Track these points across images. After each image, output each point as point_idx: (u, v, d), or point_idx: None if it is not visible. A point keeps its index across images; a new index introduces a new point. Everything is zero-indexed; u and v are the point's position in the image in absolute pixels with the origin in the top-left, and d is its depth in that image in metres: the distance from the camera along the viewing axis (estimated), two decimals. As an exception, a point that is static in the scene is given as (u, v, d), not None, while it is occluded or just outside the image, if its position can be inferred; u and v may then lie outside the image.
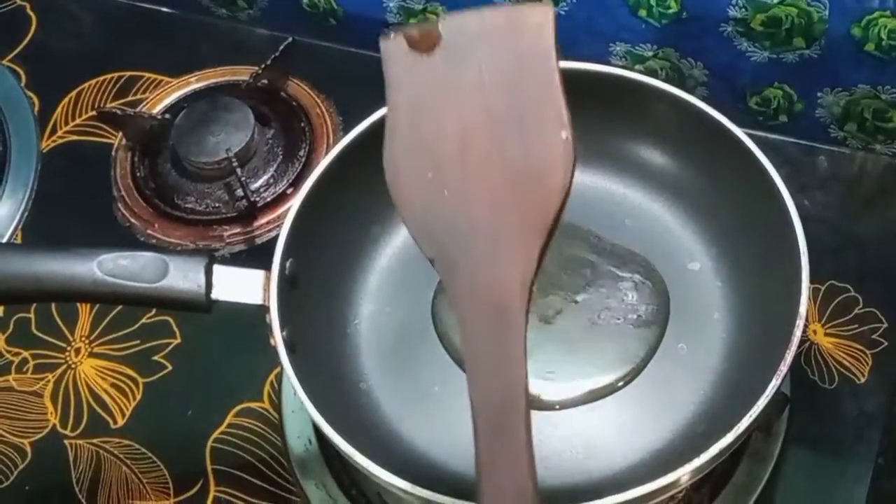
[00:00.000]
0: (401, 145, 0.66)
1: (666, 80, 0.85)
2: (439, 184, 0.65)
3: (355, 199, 0.85)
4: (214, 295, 0.75)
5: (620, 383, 0.80)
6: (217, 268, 0.75)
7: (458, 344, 0.82)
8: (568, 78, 0.82)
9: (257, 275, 0.76)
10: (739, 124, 0.81)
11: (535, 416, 0.78)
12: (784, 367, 0.69)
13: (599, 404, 0.79)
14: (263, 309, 0.75)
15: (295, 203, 0.80)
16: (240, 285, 0.76)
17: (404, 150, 0.66)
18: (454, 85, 0.65)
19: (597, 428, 0.78)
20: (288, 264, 0.78)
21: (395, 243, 0.88)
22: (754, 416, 0.68)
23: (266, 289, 0.76)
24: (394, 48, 0.67)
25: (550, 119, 0.63)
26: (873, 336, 0.89)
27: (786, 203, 0.76)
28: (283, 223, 0.96)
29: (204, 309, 0.75)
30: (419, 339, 0.84)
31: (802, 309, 0.71)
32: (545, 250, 0.62)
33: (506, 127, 0.64)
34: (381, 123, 0.82)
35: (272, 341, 0.74)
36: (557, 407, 0.79)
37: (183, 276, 0.74)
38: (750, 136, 0.80)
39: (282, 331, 0.74)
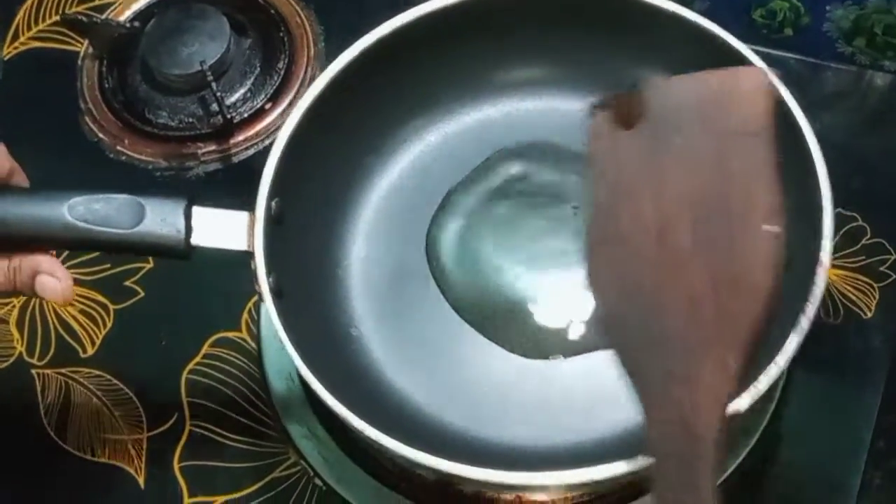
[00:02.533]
0: (600, 231, 0.61)
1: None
2: (635, 279, 0.59)
3: (348, 128, 0.80)
4: (195, 240, 0.70)
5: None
6: (197, 209, 0.70)
7: (455, 284, 0.78)
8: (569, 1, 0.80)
9: (241, 217, 0.71)
10: (743, 39, 0.76)
11: (541, 367, 0.76)
12: (805, 324, 0.65)
13: (605, 356, 0.75)
14: (248, 255, 0.71)
15: (280, 138, 0.74)
16: (222, 229, 0.71)
17: (603, 236, 0.61)
18: (655, 165, 0.60)
19: (601, 383, 0.74)
20: (274, 204, 0.73)
21: (391, 176, 0.84)
22: (773, 375, 0.64)
23: (250, 233, 0.71)
24: (597, 126, 0.62)
25: (759, 208, 0.56)
26: (881, 269, 0.86)
27: (802, 131, 0.71)
28: (265, 142, 0.93)
29: (183, 256, 0.70)
30: (415, 279, 0.80)
31: (825, 256, 0.67)
32: (745, 369, 0.56)
33: (708, 215, 0.57)
34: (375, 46, 0.78)
35: (257, 288, 0.70)
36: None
37: (161, 221, 0.68)
38: (753, 51, 0.75)
39: (268, 278, 0.70)
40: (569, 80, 0.83)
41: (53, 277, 0.69)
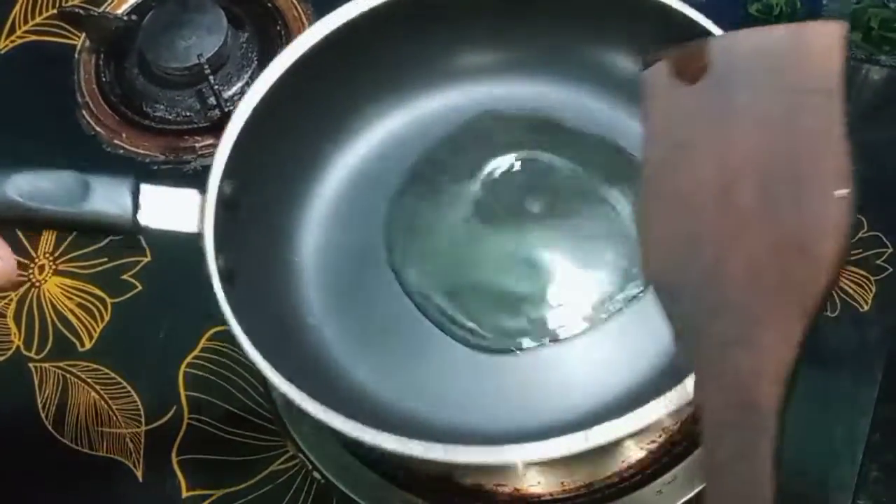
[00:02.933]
0: (656, 190, 0.58)
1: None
2: (694, 241, 0.57)
3: (306, 114, 0.78)
4: (142, 219, 0.67)
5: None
6: (145, 188, 0.67)
7: (412, 278, 0.77)
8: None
9: (190, 195, 0.69)
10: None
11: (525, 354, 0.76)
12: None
13: (579, 339, 0.75)
14: (198, 237, 0.68)
15: (237, 118, 0.72)
16: (171, 208, 0.68)
17: (660, 196, 0.58)
18: (719, 121, 0.57)
19: (578, 364, 0.74)
20: (227, 186, 0.70)
21: (348, 163, 0.81)
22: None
23: (201, 213, 0.68)
24: (655, 77, 0.59)
25: (827, 171, 0.53)
26: (878, 262, 0.86)
27: None
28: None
29: (132, 233, 0.67)
30: (373, 268, 0.78)
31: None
32: (806, 337, 0.53)
33: (774, 176, 0.55)
34: (343, 29, 0.76)
35: (205, 270, 0.68)
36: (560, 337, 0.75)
37: (106, 198, 0.66)
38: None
39: (216, 259, 0.68)
40: (537, 63, 0.82)
41: None
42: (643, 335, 0.74)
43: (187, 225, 0.68)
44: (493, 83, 0.83)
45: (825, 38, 0.56)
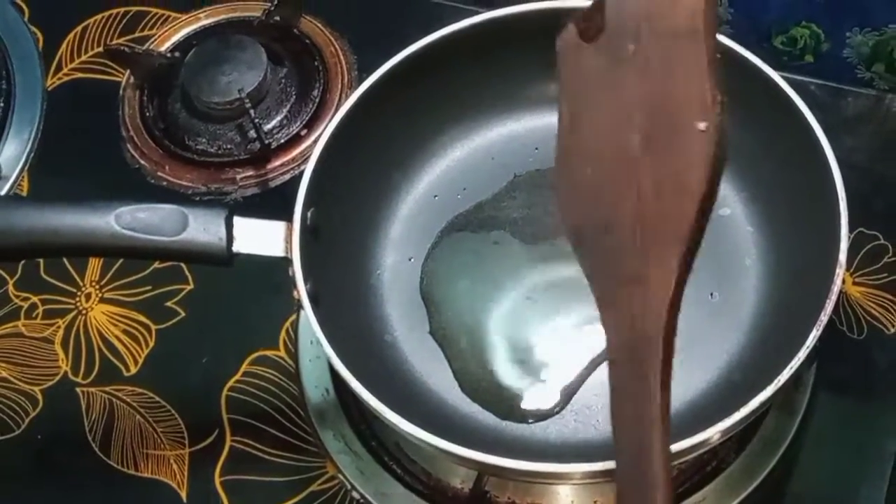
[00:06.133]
0: (568, 145, 0.62)
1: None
2: (597, 189, 0.60)
3: (375, 145, 0.83)
4: (236, 248, 0.72)
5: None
6: (237, 219, 0.73)
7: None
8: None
9: (278, 226, 0.74)
10: (765, 65, 0.78)
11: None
12: (825, 317, 0.67)
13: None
14: (286, 261, 0.73)
15: (315, 152, 0.78)
16: (261, 237, 0.74)
17: (570, 150, 0.62)
18: (613, 75, 0.60)
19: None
20: (309, 214, 0.76)
21: (417, 190, 0.86)
22: (795, 367, 0.66)
23: (288, 240, 0.74)
24: (565, 40, 0.62)
25: (693, 107, 0.56)
26: (903, 286, 0.88)
27: (822, 146, 0.74)
28: (301, 167, 0.95)
29: (225, 262, 0.72)
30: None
31: (842, 257, 0.70)
32: (685, 267, 0.56)
33: (655, 121, 0.58)
34: (400, 67, 0.81)
35: (295, 294, 0.72)
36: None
37: (203, 229, 0.71)
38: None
39: (305, 283, 0.72)
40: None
41: None
42: (697, 352, 0.77)
43: (276, 251, 0.74)
44: (552, 114, 0.87)
45: None
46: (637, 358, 0.57)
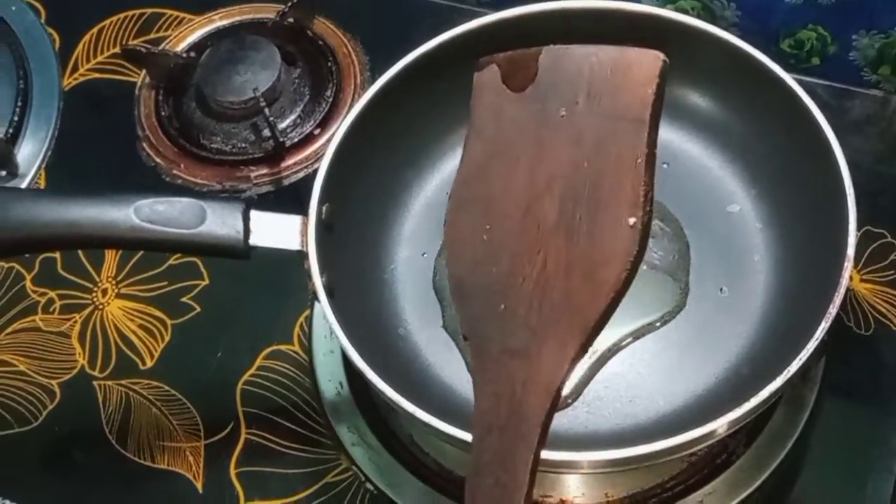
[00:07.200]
0: (469, 191, 0.61)
1: (695, 21, 0.83)
2: (494, 248, 0.58)
3: (388, 143, 0.84)
4: (252, 241, 0.74)
5: (630, 338, 0.79)
6: (254, 213, 0.74)
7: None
8: (601, 17, 0.83)
9: (294, 220, 0.76)
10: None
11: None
12: (833, 310, 0.69)
13: (641, 349, 0.78)
14: (301, 255, 0.74)
15: (330, 148, 0.79)
16: (277, 231, 0.75)
17: (470, 197, 0.60)
18: (536, 134, 0.58)
19: (640, 372, 0.78)
20: (324, 209, 0.77)
21: (429, 186, 0.87)
22: (804, 358, 0.68)
23: (304, 234, 0.75)
24: (486, 79, 0.61)
25: (624, 197, 0.55)
26: (909, 283, 0.89)
27: (830, 143, 0.75)
28: (315, 166, 0.96)
29: (242, 255, 0.74)
30: None
31: (850, 251, 0.71)
32: (580, 355, 0.55)
33: (577, 198, 0.56)
34: (413, 66, 0.82)
35: (311, 286, 0.74)
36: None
37: (221, 222, 0.72)
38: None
39: (320, 276, 0.73)
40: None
41: None
42: (707, 345, 0.78)
43: (292, 244, 0.75)
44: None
45: (644, 68, 0.57)
46: (508, 437, 0.54)
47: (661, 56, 0.59)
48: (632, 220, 0.55)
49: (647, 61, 0.59)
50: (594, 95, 0.58)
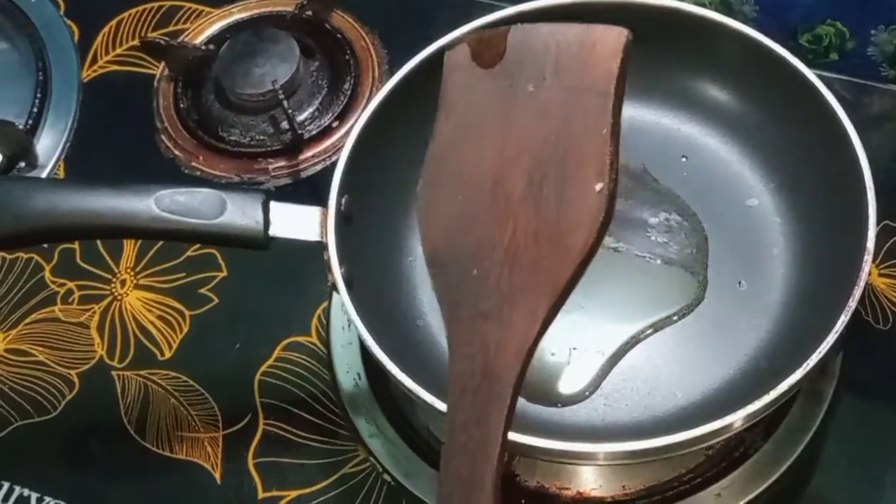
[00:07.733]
0: (439, 166, 0.62)
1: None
2: (466, 220, 0.60)
3: (406, 136, 0.83)
4: (272, 231, 0.74)
5: (649, 331, 0.79)
6: (274, 204, 0.74)
7: None
8: (621, 10, 0.83)
9: (314, 211, 0.76)
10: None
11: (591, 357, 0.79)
12: (853, 304, 0.69)
13: (660, 342, 0.78)
14: (321, 246, 0.75)
15: (348, 142, 0.79)
16: (297, 222, 0.75)
17: (442, 171, 0.62)
18: (504, 109, 0.60)
19: (657, 365, 0.78)
20: (343, 201, 0.77)
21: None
22: (823, 352, 0.68)
23: (323, 225, 0.75)
24: (456, 58, 0.63)
25: (591, 166, 0.57)
26: (928, 275, 0.89)
27: (849, 136, 0.75)
28: (333, 158, 0.97)
29: (262, 245, 0.74)
30: None
31: (870, 244, 0.71)
32: (551, 318, 0.57)
33: (544, 168, 0.58)
34: (433, 58, 0.82)
35: (330, 278, 0.74)
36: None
37: (241, 213, 0.73)
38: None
39: (340, 267, 0.74)
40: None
41: None
42: (725, 339, 0.79)
43: (311, 235, 0.75)
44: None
45: (609, 44, 0.59)
46: (482, 396, 0.56)
47: (626, 32, 0.61)
48: (598, 186, 0.57)
49: (612, 37, 0.60)
50: (561, 71, 0.60)
